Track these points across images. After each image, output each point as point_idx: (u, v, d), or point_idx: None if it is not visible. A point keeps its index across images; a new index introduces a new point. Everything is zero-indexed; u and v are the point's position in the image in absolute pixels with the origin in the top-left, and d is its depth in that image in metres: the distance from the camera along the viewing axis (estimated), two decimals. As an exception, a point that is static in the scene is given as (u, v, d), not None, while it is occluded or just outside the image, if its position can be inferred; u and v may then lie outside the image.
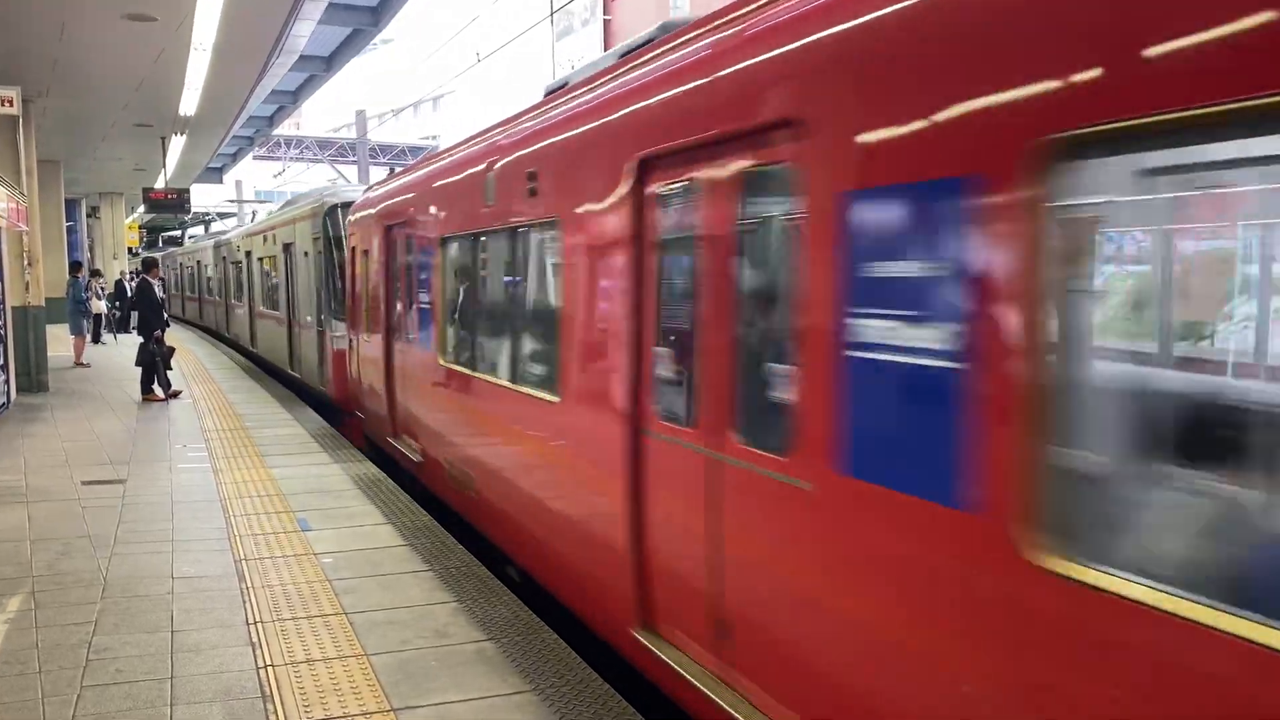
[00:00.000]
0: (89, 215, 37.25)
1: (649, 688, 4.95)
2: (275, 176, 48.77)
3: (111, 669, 5.18)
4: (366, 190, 12.56)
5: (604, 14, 35.53)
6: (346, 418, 13.46)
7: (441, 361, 8.23)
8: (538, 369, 6.31)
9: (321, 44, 24.44)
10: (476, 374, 7.36)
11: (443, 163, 8.66)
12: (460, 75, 30.10)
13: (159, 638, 5.61)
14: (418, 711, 4.66)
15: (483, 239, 7.39)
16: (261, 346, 21.48)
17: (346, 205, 13.82)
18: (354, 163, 37.42)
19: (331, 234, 14.36)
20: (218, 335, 29.32)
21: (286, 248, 17.47)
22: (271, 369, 19.74)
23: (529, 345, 6.57)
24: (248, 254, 22.56)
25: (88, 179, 30.95)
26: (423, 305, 8.89)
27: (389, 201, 10.33)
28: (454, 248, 8.08)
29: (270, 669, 5.14)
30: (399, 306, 9.94)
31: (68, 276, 22.54)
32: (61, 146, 23.14)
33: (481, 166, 7.17)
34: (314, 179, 41.45)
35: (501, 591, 6.37)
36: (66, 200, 28.07)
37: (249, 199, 48.13)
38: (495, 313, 7.34)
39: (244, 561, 7.00)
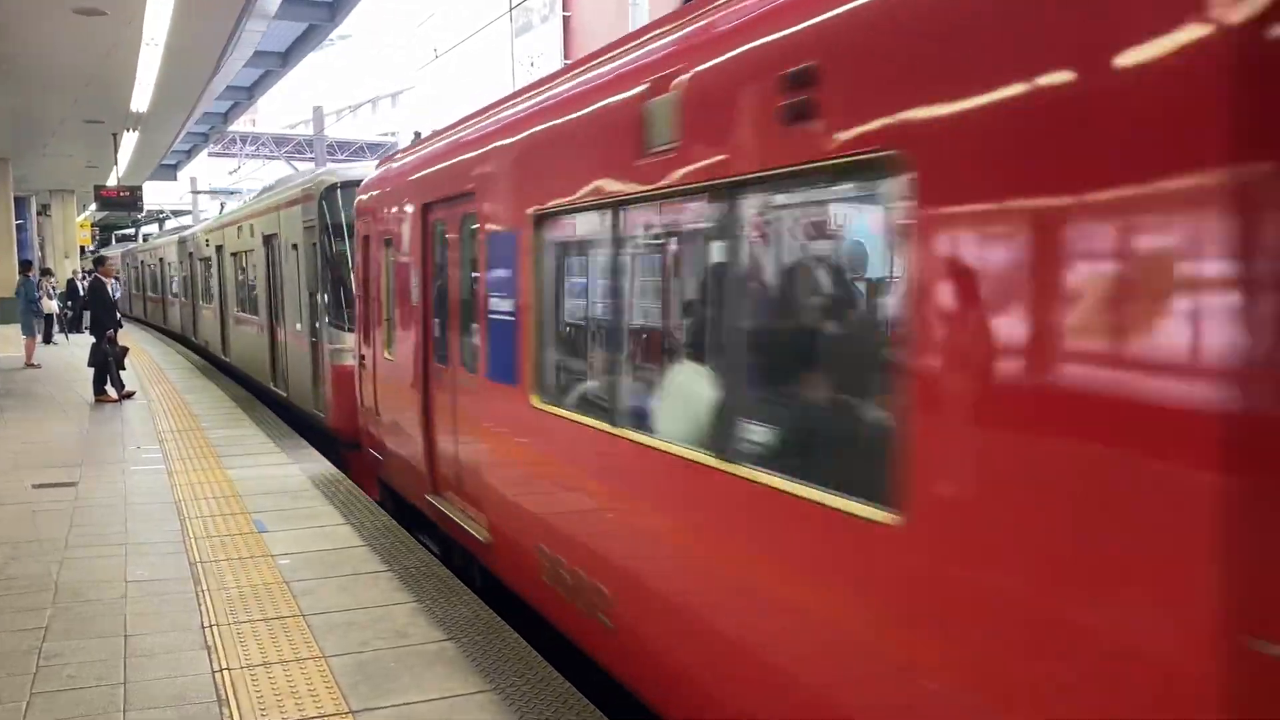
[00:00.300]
0: (39, 213, 36.59)
1: (613, 688, 4.94)
2: (231, 174, 48.18)
3: (63, 675, 5.08)
4: (385, 160, 9.66)
5: (564, 10, 35.45)
6: (345, 449, 10.91)
7: (536, 404, 5.27)
8: (808, 453, 3.58)
9: (277, 40, 24.18)
10: (623, 434, 4.39)
11: (532, 102, 5.75)
12: (419, 71, 29.94)
13: (111, 643, 5.51)
14: (377, 713, 4.61)
15: (631, 211, 4.53)
16: (236, 356, 18.64)
17: (351, 185, 11.21)
18: (311, 159, 37.07)
19: (329, 221, 11.79)
20: (184, 341, 26.92)
21: (268, 240, 14.90)
22: (250, 383, 17.01)
23: (782, 406, 3.79)
24: (219, 249, 19.92)
25: (37, 176, 30.39)
26: (497, 317, 5.88)
27: (431, 169, 7.37)
28: (563, 229, 5.40)
29: (226, 673, 5.07)
30: (448, 317, 6.96)
31: (18, 276, 22.12)
32: (9, 143, 22.72)
33: (635, 90, 4.28)
34: (270, 175, 40.98)
35: (462, 591, 6.33)
36: (16, 198, 27.56)
37: (207, 192, 47.43)
38: (664, 335, 4.93)
39: (199, 564, 6.90)
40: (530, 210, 5.37)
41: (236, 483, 9.46)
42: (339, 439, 11.15)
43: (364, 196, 9.51)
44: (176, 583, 6.52)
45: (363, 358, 9.48)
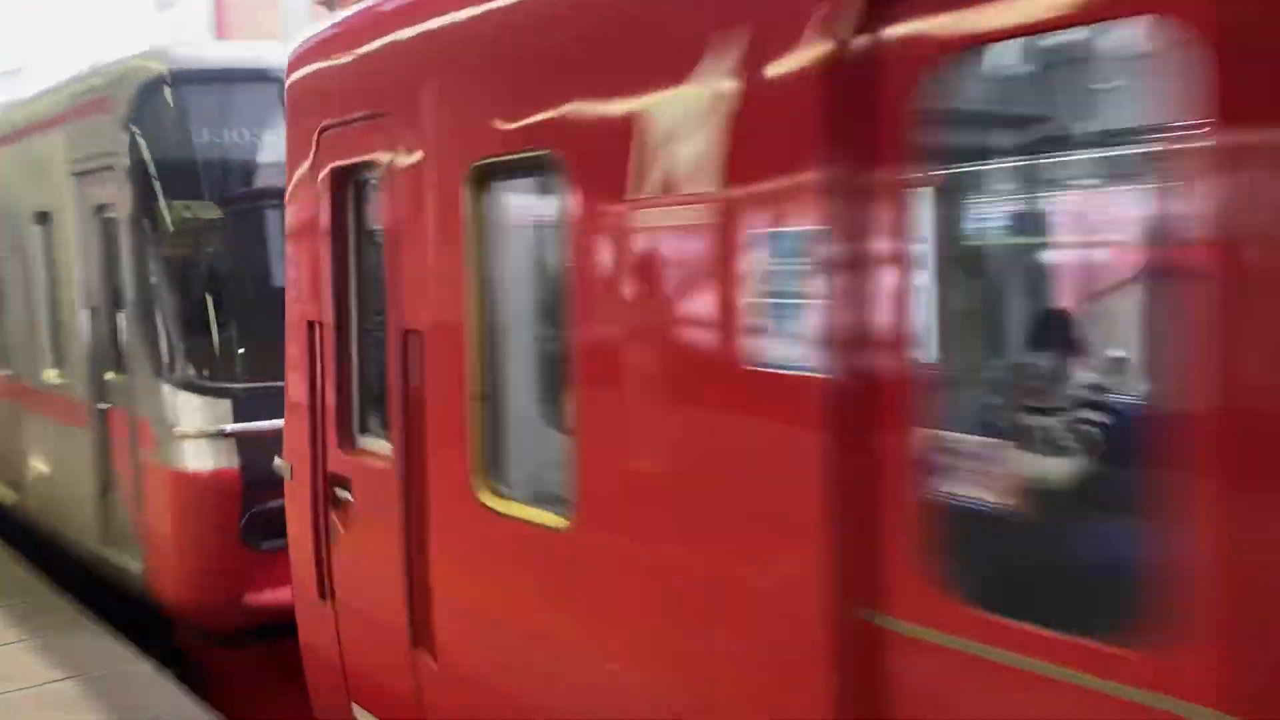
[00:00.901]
0: None
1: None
2: None
3: None
4: None
5: (212, -14, 33.22)
6: (190, 630, 5.70)
7: None
8: None
9: None
10: None
11: None
12: (40, 48, 26.98)
13: None
14: (-38, 778, 3.95)
15: None
16: None
17: (211, 79, 6.06)
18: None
19: (156, 155, 5.84)
20: None
21: None
22: None
23: None
24: None
25: None
26: None
27: None
28: None
29: None
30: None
31: None
32: None
33: None
34: None
35: (83, 624, 5.65)
36: None
37: None
38: None
39: None
40: None
41: None
42: (173, 616, 5.78)
43: (329, 66, 4.09)
44: None
45: (340, 482, 3.99)
